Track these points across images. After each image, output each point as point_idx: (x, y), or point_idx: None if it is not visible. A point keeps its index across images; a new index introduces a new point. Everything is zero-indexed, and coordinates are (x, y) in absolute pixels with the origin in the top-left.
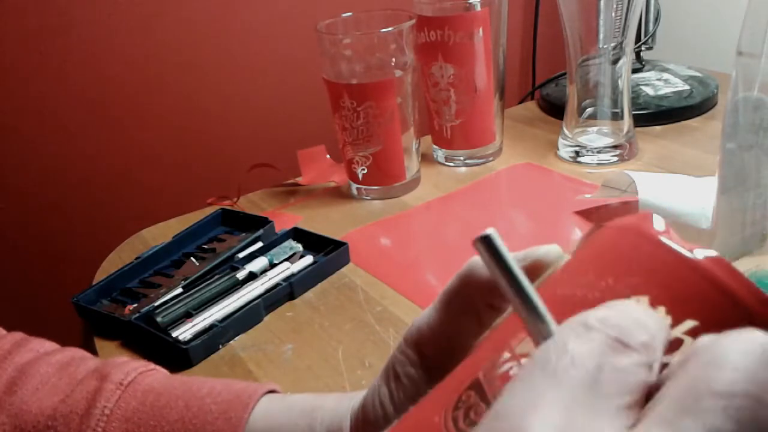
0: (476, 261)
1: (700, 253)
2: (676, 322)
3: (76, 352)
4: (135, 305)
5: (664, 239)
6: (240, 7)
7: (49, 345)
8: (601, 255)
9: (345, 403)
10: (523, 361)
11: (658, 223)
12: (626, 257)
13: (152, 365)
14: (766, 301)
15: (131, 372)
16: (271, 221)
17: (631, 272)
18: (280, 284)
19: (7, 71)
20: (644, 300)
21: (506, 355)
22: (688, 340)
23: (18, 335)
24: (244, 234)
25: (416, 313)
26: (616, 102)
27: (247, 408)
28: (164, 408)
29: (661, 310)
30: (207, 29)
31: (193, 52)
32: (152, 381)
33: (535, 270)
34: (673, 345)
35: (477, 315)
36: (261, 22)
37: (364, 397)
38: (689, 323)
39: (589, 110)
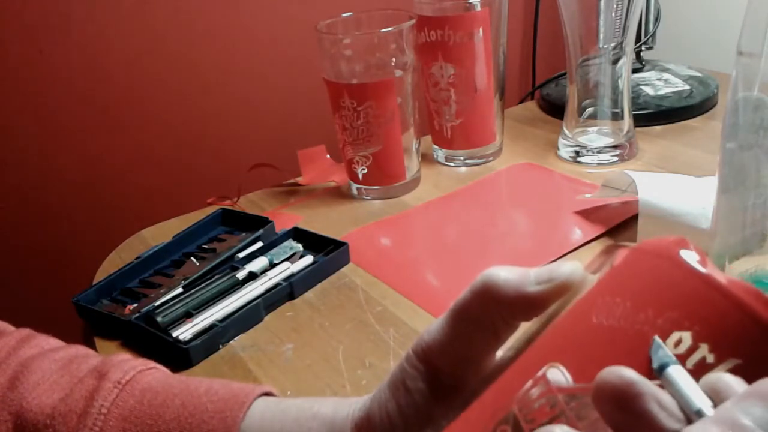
0: (492, 275)
1: (738, 286)
2: (718, 361)
3: (80, 350)
4: (135, 305)
5: (702, 270)
6: (240, 8)
7: (54, 341)
8: (637, 284)
9: (343, 411)
10: (560, 397)
11: (694, 252)
12: (665, 288)
13: (152, 363)
14: None
15: (130, 371)
16: (271, 221)
17: (672, 305)
18: (280, 284)
19: (7, 71)
20: (687, 336)
21: (541, 386)
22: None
23: (25, 331)
24: (244, 234)
25: (416, 313)
26: (616, 102)
27: (242, 407)
28: (161, 406)
29: (705, 347)
30: (207, 29)
31: (193, 52)
32: (151, 380)
33: (560, 291)
34: None
35: (493, 331)
36: (261, 23)
37: (368, 409)
38: (733, 361)
39: (589, 110)
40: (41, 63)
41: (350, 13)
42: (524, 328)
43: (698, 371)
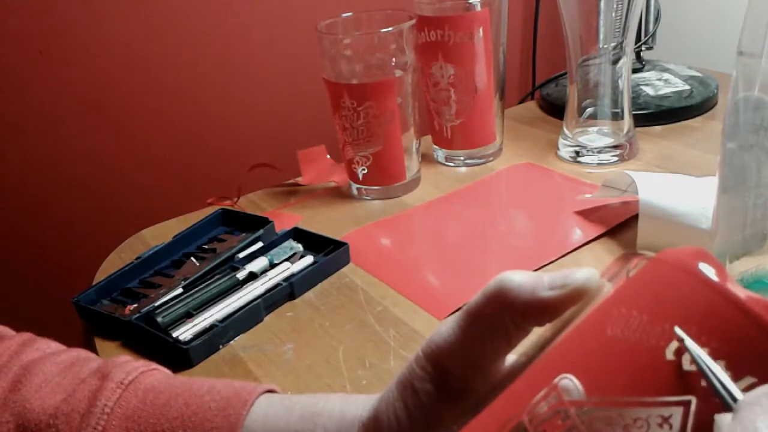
0: (506, 279)
1: (757, 302)
2: (735, 378)
3: (81, 353)
4: (135, 305)
5: (721, 284)
6: (240, 7)
7: (55, 345)
8: (654, 296)
9: (351, 410)
10: (572, 410)
11: (713, 264)
12: (682, 302)
13: (154, 365)
14: None
15: (132, 371)
16: (272, 221)
17: (689, 320)
18: (281, 284)
19: (7, 71)
20: (704, 352)
21: (554, 396)
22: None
23: (26, 335)
24: (244, 234)
25: (416, 313)
26: (616, 102)
27: (245, 405)
28: (164, 406)
29: (721, 363)
30: (207, 29)
31: (193, 52)
32: (153, 380)
33: (574, 298)
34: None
35: (505, 335)
36: (261, 22)
37: (376, 409)
38: (748, 380)
39: (590, 110)
40: (41, 63)
41: (350, 13)
42: (537, 334)
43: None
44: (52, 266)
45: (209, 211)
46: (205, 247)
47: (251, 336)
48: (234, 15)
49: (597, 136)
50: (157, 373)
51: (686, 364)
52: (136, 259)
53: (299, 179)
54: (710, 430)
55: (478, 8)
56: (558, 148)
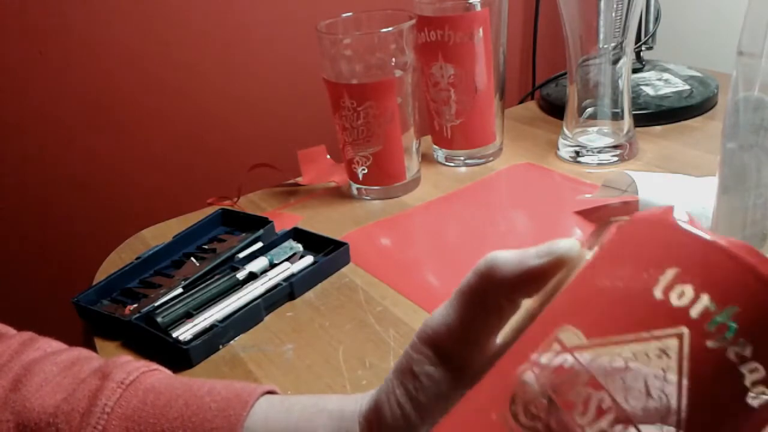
0: (496, 257)
1: (730, 242)
2: (720, 308)
3: (82, 352)
4: (135, 305)
5: (695, 231)
6: (240, 8)
7: (56, 344)
8: (635, 249)
9: (350, 407)
10: (575, 354)
11: (683, 214)
12: (662, 249)
13: (155, 365)
14: None
15: (133, 371)
16: (271, 221)
17: (671, 263)
18: (281, 284)
19: (7, 71)
20: (689, 288)
21: (555, 346)
22: (732, 324)
23: (27, 334)
24: (244, 234)
25: (416, 313)
26: (616, 102)
27: (246, 406)
28: (164, 407)
29: (706, 297)
30: (207, 29)
31: (193, 52)
32: (154, 381)
33: (557, 266)
34: (720, 329)
35: (498, 310)
36: (261, 23)
37: (376, 400)
38: (733, 308)
39: (590, 110)
40: (41, 63)
41: (350, 13)
42: (524, 308)
43: (703, 319)
44: (52, 266)
45: (209, 211)
46: (205, 247)
47: (251, 336)
48: (234, 15)
49: (597, 136)
50: (157, 374)
51: (674, 300)
52: (136, 259)
53: (299, 179)
54: (704, 355)
55: (478, 8)
56: (558, 148)
